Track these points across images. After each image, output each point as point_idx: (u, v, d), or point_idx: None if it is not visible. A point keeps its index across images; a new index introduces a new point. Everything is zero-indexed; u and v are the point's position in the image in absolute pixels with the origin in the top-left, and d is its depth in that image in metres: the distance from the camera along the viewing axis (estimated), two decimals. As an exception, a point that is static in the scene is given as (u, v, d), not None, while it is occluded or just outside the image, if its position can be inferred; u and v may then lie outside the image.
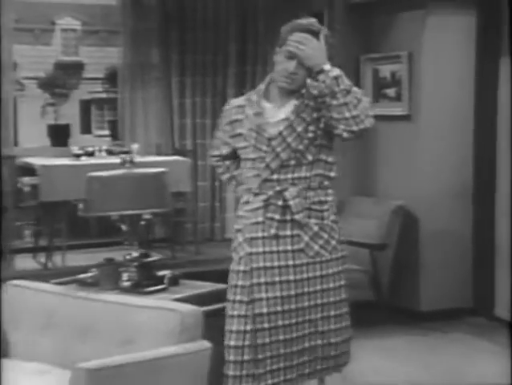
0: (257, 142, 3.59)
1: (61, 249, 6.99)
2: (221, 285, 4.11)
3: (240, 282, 3.60)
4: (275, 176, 3.56)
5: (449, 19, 6.47)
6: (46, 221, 7.01)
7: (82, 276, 4.35)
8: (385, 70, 6.69)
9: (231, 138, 3.72)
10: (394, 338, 6.07)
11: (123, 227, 4.39)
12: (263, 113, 3.61)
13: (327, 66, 3.41)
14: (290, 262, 3.56)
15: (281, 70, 3.56)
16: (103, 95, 9.43)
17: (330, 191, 3.65)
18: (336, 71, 3.41)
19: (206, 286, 4.39)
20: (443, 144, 6.53)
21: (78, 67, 9.42)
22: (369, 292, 6.35)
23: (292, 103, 3.58)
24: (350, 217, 6.68)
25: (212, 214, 8.50)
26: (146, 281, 4.24)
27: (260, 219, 3.57)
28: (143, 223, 4.43)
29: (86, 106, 9.70)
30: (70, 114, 9.18)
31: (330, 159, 3.62)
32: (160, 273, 4.34)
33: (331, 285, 3.61)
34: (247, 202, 3.62)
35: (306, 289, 3.57)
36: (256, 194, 3.58)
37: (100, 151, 7.29)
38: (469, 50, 6.54)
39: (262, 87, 3.69)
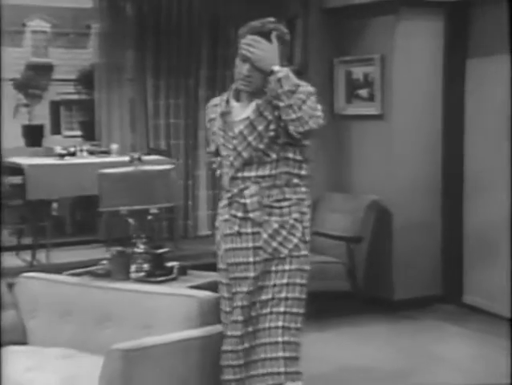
0: (224, 140, 3.63)
1: (45, 247, 7.19)
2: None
3: (223, 280, 3.66)
4: (239, 174, 3.57)
5: (419, 24, 6.80)
6: (32, 220, 7.18)
7: (93, 268, 4.60)
8: (358, 72, 7.00)
9: (212, 136, 3.76)
10: (371, 326, 6.39)
11: (131, 221, 4.63)
12: (231, 112, 3.63)
13: (276, 68, 3.42)
14: (251, 259, 3.55)
15: (237, 73, 3.61)
16: (73, 97, 9.62)
17: (301, 189, 3.61)
18: (283, 72, 3.40)
19: (213, 276, 4.66)
20: (414, 142, 6.86)
21: (48, 69, 9.58)
22: (346, 283, 6.62)
23: (255, 102, 3.57)
24: (325, 212, 7.02)
25: (185, 212, 8.75)
26: (158, 271, 4.51)
27: (226, 216, 3.61)
28: (150, 217, 4.67)
29: (55, 107, 9.87)
30: (40, 115, 9.35)
31: (298, 157, 3.58)
32: (169, 264, 4.61)
33: (285, 280, 3.53)
34: (220, 199, 3.70)
35: (266, 283, 3.55)
36: (226, 191, 3.63)
37: (82, 151, 7.51)
38: (437, 53, 6.87)
39: (233, 86, 3.70)
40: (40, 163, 7.14)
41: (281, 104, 3.39)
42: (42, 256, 7.20)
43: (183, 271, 4.60)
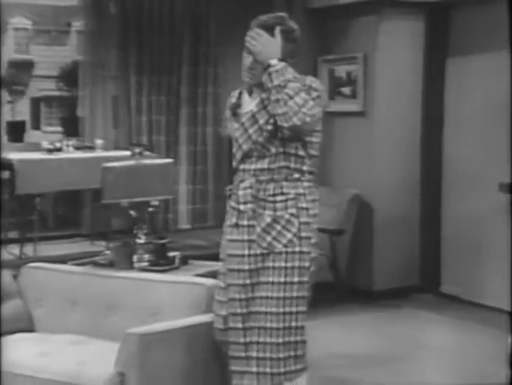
0: (231, 132, 3.69)
1: (32, 241, 7.31)
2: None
3: (222, 270, 3.69)
4: (241, 166, 3.60)
5: (401, 24, 7.01)
6: (20, 214, 7.29)
7: (97, 258, 4.76)
8: (341, 70, 7.22)
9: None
10: (354, 315, 6.62)
11: (133, 213, 4.79)
12: (241, 104, 3.66)
13: (273, 61, 3.44)
14: (246, 252, 3.55)
15: (242, 65, 3.60)
16: (53, 93, 9.73)
17: (302, 184, 3.57)
18: (277, 66, 3.42)
19: (214, 265, 4.84)
20: (394, 138, 7.08)
21: (29, 65, 9.68)
22: (328, 274, 6.83)
23: (260, 96, 3.58)
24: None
25: (165, 206, 8.92)
26: (161, 260, 4.68)
27: (227, 208, 3.65)
28: (151, 209, 4.83)
29: (36, 103, 9.98)
30: (21, 111, 9.45)
31: (301, 152, 3.56)
32: (171, 254, 4.78)
33: (282, 279, 3.50)
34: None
35: (261, 279, 3.54)
36: (231, 182, 3.68)
37: (68, 146, 7.62)
38: (418, 52, 7.09)
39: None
40: (29, 158, 7.22)
41: (271, 98, 3.42)
42: (28, 249, 7.31)
43: (184, 261, 4.78)
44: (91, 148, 7.76)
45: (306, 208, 3.57)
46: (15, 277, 4.66)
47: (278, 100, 3.40)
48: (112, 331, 4.21)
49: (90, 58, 8.59)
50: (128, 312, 4.24)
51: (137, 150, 4.87)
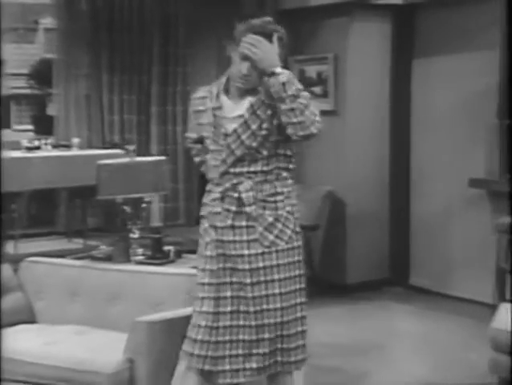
0: (214, 136, 3.63)
1: (14, 238, 7.43)
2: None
3: (208, 266, 3.64)
4: (231, 170, 3.59)
5: (370, 26, 7.26)
6: (5, 211, 7.40)
7: (94, 252, 4.94)
8: (311, 70, 7.45)
9: (196, 126, 3.74)
10: (330, 307, 6.84)
11: (127, 209, 4.97)
12: (222, 108, 3.63)
13: (278, 70, 3.47)
14: (246, 252, 3.58)
15: (236, 71, 3.57)
16: (23, 91, 9.84)
17: (288, 182, 3.66)
18: (286, 75, 3.46)
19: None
20: (365, 137, 7.33)
21: (-1, 64, 9.71)
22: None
23: (248, 100, 3.58)
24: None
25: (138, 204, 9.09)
26: (158, 254, 4.88)
27: (218, 209, 3.61)
28: (144, 205, 5.01)
29: (6, 101, 10.05)
30: (-11, 110, 9.52)
31: (288, 152, 3.64)
32: (165, 248, 4.97)
33: (287, 274, 3.60)
34: (209, 191, 3.68)
35: (262, 278, 3.56)
36: (216, 184, 3.64)
37: (46, 144, 7.77)
38: (386, 53, 7.34)
39: (222, 80, 3.69)
40: (11, 156, 7.34)
41: (283, 107, 3.42)
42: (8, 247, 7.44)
43: (178, 254, 4.98)
44: (68, 147, 7.92)
45: (296, 205, 3.73)
46: (15, 270, 4.82)
47: (293, 109, 3.42)
48: (114, 321, 4.41)
49: (62, 57, 8.74)
50: (129, 303, 4.43)
51: (131, 148, 5.03)
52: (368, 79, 7.33)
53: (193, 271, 4.41)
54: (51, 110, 9.60)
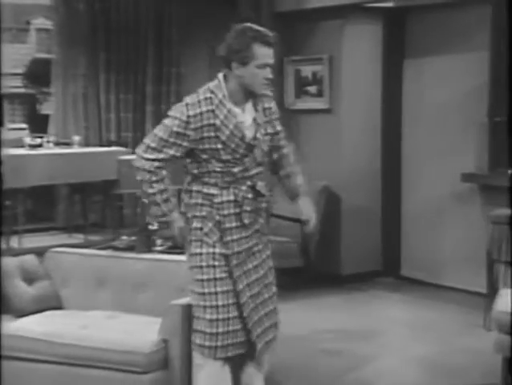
0: (236, 145, 3.82)
1: (18, 233, 7.66)
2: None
3: (216, 263, 3.88)
4: (246, 174, 3.87)
5: (363, 28, 7.58)
6: (7, 207, 7.62)
7: (115, 242, 5.19)
8: (307, 70, 7.74)
9: (198, 142, 3.82)
10: (327, 296, 7.15)
11: (146, 201, 5.19)
12: (236, 115, 3.83)
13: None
14: (259, 246, 3.96)
15: (261, 78, 3.80)
16: (16, 90, 10.05)
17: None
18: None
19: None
20: (358, 134, 7.64)
21: (-8, 63, 9.89)
22: (299, 260, 7.35)
23: (250, 106, 3.89)
24: (278, 196, 7.73)
25: (135, 201, 9.32)
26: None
27: (231, 211, 3.87)
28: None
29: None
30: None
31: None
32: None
33: (271, 264, 4.06)
34: (213, 195, 3.86)
35: (267, 267, 4.01)
36: (225, 188, 3.86)
37: (48, 142, 8.00)
38: (378, 54, 7.65)
39: (222, 85, 3.83)
40: (16, 153, 7.57)
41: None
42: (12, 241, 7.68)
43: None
44: (69, 144, 8.16)
45: None
46: (41, 260, 5.06)
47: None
48: (141, 307, 4.68)
49: (60, 57, 8.98)
50: (155, 289, 4.68)
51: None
52: (361, 79, 7.64)
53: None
54: (47, 108, 9.83)
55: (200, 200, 3.91)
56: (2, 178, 6.87)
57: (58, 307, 4.89)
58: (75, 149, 8.02)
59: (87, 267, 4.92)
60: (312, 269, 7.44)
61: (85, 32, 8.96)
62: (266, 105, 4.00)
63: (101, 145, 8.82)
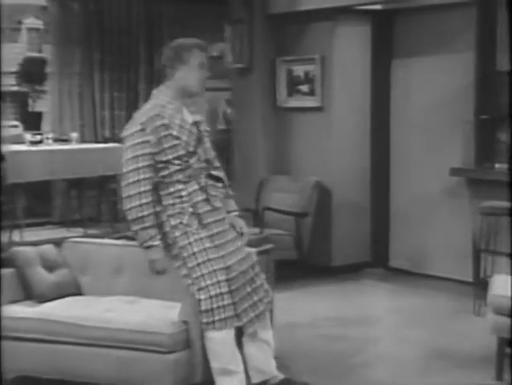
0: (187, 136, 4.31)
1: (19, 227, 7.88)
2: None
3: (207, 244, 4.32)
4: (202, 165, 4.38)
5: (353, 29, 7.88)
6: (9, 202, 7.84)
7: (128, 233, 5.44)
8: (299, 70, 8.03)
9: (158, 144, 4.27)
10: (321, 287, 7.44)
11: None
12: (180, 112, 4.33)
13: None
14: (227, 226, 4.45)
15: (200, 79, 4.38)
16: (8, 88, 10.27)
17: None
18: None
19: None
20: (349, 131, 7.93)
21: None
22: (293, 252, 7.64)
23: (186, 111, 4.37)
24: (271, 192, 8.06)
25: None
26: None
27: (201, 197, 4.36)
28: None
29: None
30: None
31: None
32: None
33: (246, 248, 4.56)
34: (180, 189, 4.34)
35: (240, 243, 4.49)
36: (188, 181, 4.34)
37: (48, 139, 8.23)
38: (367, 54, 7.95)
39: (164, 92, 4.42)
40: (19, 149, 7.79)
41: None
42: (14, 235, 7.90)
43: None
44: (67, 141, 8.40)
45: None
46: (58, 249, 5.31)
47: None
48: (158, 292, 4.94)
49: (56, 56, 9.23)
50: (170, 275, 4.92)
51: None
52: (352, 78, 7.94)
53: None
54: (40, 106, 10.06)
55: (170, 201, 4.36)
56: (2, 174, 7.13)
57: (78, 293, 5.15)
58: (74, 145, 8.25)
59: (104, 256, 5.19)
60: (305, 261, 7.74)
61: (80, 32, 9.23)
62: (199, 118, 4.46)
63: (97, 142, 9.08)
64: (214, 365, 4.33)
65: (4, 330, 4.70)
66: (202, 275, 4.30)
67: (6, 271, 4.97)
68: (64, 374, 4.62)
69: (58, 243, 5.36)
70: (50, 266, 5.15)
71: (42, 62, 10.08)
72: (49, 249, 5.28)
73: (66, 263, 5.23)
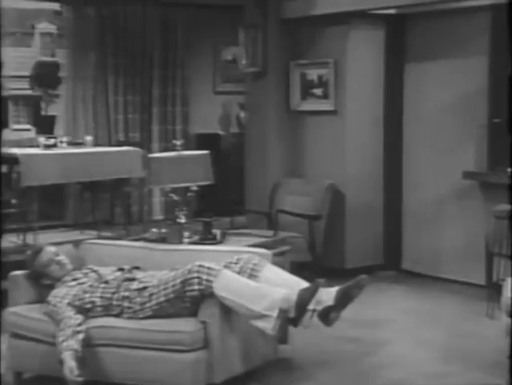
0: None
1: (33, 229, 7.93)
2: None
3: None
4: None
5: (366, 33, 7.94)
6: (23, 204, 7.90)
7: (147, 235, 5.51)
8: (313, 73, 8.08)
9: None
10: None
11: (175, 197, 5.54)
12: None
13: None
14: None
15: None
16: (21, 92, 10.35)
17: None
18: None
19: (248, 240, 5.68)
20: (362, 134, 7.98)
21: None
22: (307, 254, 7.67)
23: None
24: (284, 195, 8.11)
25: (140, 198, 9.66)
26: (209, 235, 5.47)
27: None
28: (190, 194, 5.57)
29: (4, 102, 10.48)
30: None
31: None
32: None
33: None
34: None
35: None
36: None
37: (62, 142, 8.27)
38: (380, 58, 8.01)
39: None
40: (34, 153, 7.83)
41: None
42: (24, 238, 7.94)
43: (224, 236, 5.59)
44: (82, 144, 8.46)
45: None
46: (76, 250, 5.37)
47: None
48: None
49: (71, 60, 9.30)
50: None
51: (178, 143, 5.62)
52: (365, 82, 7.99)
53: (250, 249, 5.04)
54: (53, 110, 10.11)
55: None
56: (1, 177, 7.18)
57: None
58: (88, 149, 8.30)
59: (123, 257, 5.24)
60: (318, 263, 7.77)
61: (94, 37, 9.29)
62: None
63: (111, 145, 9.14)
64: (250, 307, 4.45)
65: (23, 331, 4.81)
66: None
67: (25, 272, 5.04)
68: (84, 374, 4.65)
69: (74, 245, 5.42)
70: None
71: (55, 66, 10.12)
72: (68, 248, 5.37)
73: (84, 264, 5.28)
